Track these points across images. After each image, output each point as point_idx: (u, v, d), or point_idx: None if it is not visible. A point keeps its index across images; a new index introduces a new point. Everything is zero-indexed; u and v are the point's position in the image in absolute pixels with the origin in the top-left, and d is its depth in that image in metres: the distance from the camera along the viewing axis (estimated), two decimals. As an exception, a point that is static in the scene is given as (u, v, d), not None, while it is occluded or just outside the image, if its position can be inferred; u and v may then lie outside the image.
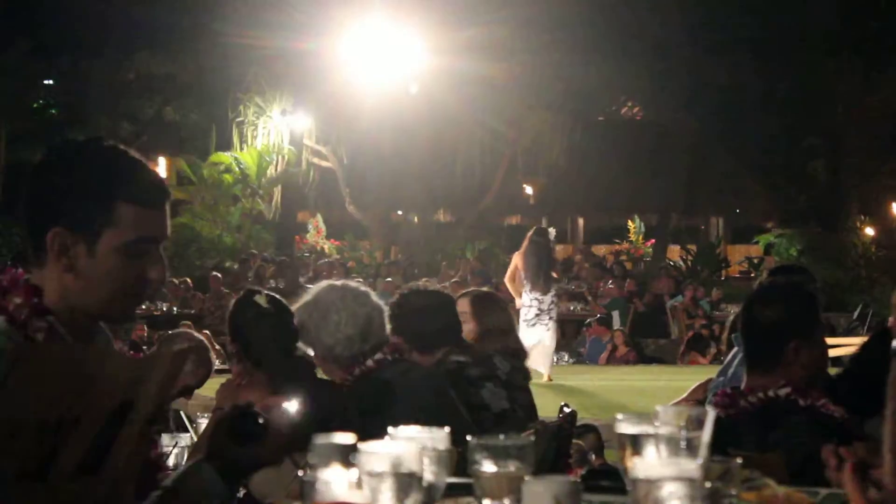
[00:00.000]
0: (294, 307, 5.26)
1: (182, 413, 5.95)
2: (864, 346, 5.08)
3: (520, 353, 6.68)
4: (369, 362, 5.10)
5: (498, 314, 6.70)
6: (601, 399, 14.76)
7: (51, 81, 35.31)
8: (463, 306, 6.69)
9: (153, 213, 2.83)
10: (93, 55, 32.44)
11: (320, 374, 5.76)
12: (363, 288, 5.29)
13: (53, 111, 34.90)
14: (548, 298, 17.01)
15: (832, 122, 34.99)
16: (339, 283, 5.32)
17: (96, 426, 2.42)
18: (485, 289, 8.14)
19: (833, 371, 5.42)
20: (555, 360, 20.94)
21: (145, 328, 20.02)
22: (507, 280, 17.85)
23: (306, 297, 5.26)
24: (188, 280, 25.81)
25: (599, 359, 21.86)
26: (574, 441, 7.49)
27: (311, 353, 5.26)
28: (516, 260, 17.40)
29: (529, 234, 17.53)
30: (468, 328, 6.66)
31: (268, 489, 3.01)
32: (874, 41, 32.84)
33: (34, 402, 2.38)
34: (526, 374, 6.30)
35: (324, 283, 5.32)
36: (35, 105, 34.79)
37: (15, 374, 2.39)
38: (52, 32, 31.58)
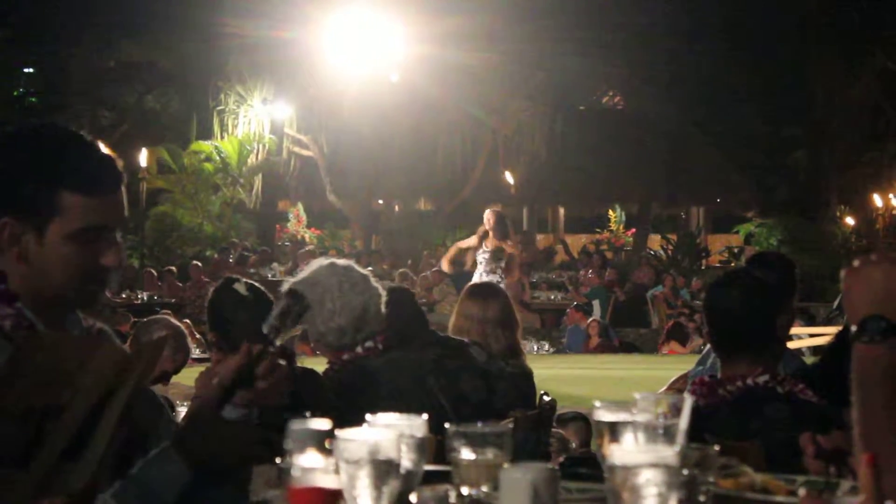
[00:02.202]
0: (290, 281, 5.22)
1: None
2: (840, 335, 5.09)
3: (512, 346, 6.68)
4: (359, 349, 5.09)
5: (475, 305, 6.69)
6: (581, 388, 14.77)
7: (31, 69, 35.19)
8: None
9: (101, 201, 2.78)
10: (73, 43, 32.34)
11: (301, 361, 5.75)
12: (363, 272, 5.24)
13: (33, 99, 34.80)
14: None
15: (813, 113, 35.08)
16: (341, 264, 5.25)
17: (81, 414, 2.41)
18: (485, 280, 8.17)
19: (812, 360, 5.45)
20: (535, 348, 21.00)
21: (130, 318, 19.87)
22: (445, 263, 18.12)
23: (304, 274, 5.20)
24: (173, 269, 25.76)
25: (583, 345, 21.85)
26: (555, 430, 7.49)
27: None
28: (473, 241, 17.58)
29: (490, 214, 17.68)
30: (451, 321, 6.70)
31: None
32: (855, 32, 32.93)
33: (23, 389, 2.38)
34: (504, 365, 6.30)
35: (325, 262, 5.25)
36: (15, 93, 34.68)
37: (8, 363, 2.39)
38: (31, 20, 31.48)
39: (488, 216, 17.77)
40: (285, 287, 5.20)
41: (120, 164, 2.86)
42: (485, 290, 7.01)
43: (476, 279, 16.65)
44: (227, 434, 2.73)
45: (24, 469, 2.37)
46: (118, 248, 2.80)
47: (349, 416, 2.46)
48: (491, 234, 17.44)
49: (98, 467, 2.42)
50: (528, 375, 6.52)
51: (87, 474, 2.42)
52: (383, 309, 5.18)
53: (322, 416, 2.36)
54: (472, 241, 17.89)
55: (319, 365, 5.38)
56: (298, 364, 5.69)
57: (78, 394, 2.42)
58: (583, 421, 9.08)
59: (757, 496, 2.49)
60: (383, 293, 5.21)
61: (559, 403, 6.80)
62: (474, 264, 17.59)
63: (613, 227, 39.78)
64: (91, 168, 2.79)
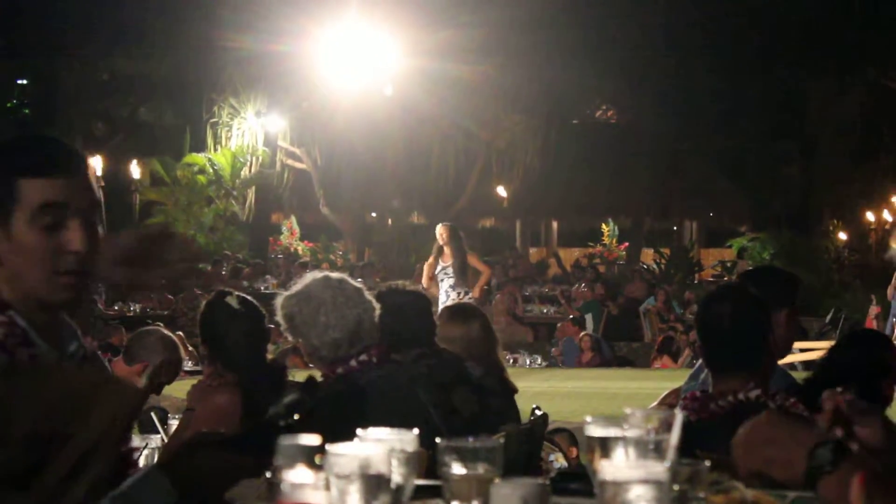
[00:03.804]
0: (283, 295, 5.23)
1: (152, 414, 5.93)
2: (832, 350, 5.10)
3: (496, 364, 6.66)
4: (353, 363, 5.08)
5: (457, 328, 6.64)
6: (573, 402, 14.77)
7: (24, 81, 35.20)
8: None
9: (59, 181, 2.77)
10: (67, 55, 32.34)
11: (293, 374, 5.75)
12: (356, 286, 5.25)
13: (27, 111, 34.80)
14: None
15: (805, 128, 35.15)
16: (334, 277, 5.25)
17: (87, 444, 2.42)
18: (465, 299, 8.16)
19: (804, 375, 5.45)
20: (528, 362, 20.98)
21: (123, 331, 19.83)
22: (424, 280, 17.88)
23: (297, 287, 5.20)
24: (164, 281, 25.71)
25: (575, 359, 21.80)
26: (547, 444, 7.48)
27: (292, 338, 5.24)
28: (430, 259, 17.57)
29: (444, 228, 17.63)
30: None
31: (237, 492, 3.00)
32: (848, 48, 33.00)
33: (30, 417, 2.38)
34: (501, 380, 6.30)
35: (318, 276, 5.26)
36: (8, 105, 34.68)
37: (15, 388, 2.40)
38: (26, 32, 31.49)
39: (441, 231, 17.71)
40: (279, 300, 5.21)
41: (87, 158, 2.88)
42: (464, 311, 6.97)
43: (442, 297, 16.63)
44: (217, 462, 2.71)
45: (23, 491, 2.37)
46: (83, 231, 2.78)
47: (341, 431, 2.45)
48: (446, 249, 17.41)
49: (92, 486, 2.43)
50: (513, 392, 6.54)
51: (82, 493, 2.42)
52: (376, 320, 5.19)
53: (314, 430, 2.36)
54: (430, 259, 17.90)
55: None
56: (290, 378, 5.70)
57: (87, 425, 2.42)
58: (569, 434, 9.06)
59: (748, 512, 2.49)
60: (377, 306, 5.22)
61: (550, 418, 6.79)
62: (433, 280, 17.52)
63: (606, 240, 39.80)
64: (45, 153, 2.81)
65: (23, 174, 2.76)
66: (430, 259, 17.72)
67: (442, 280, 17.30)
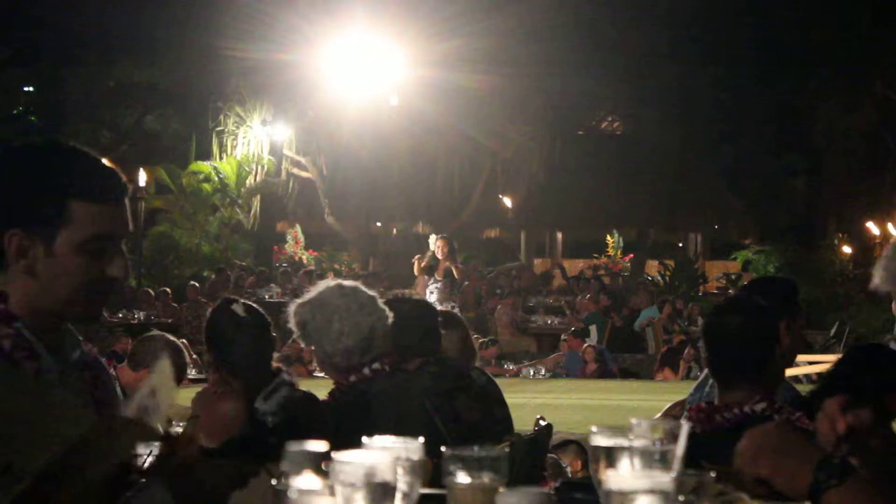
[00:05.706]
0: (297, 302, 5.24)
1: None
2: (838, 363, 5.09)
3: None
4: (366, 371, 5.08)
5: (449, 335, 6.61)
6: (576, 414, 14.76)
7: (31, 88, 35.23)
8: None
9: (109, 210, 2.80)
10: (73, 63, 32.37)
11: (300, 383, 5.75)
12: (370, 293, 5.25)
13: (33, 118, 34.83)
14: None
15: (812, 141, 35.13)
16: (348, 285, 5.26)
17: (98, 480, 2.41)
18: (442, 308, 8.13)
19: (808, 388, 5.44)
20: (531, 373, 20.97)
21: (130, 340, 19.82)
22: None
23: (311, 295, 5.20)
24: (167, 290, 25.75)
25: (579, 370, 21.80)
26: (550, 455, 7.47)
27: (304, 345, 5.25)
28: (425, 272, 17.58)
29: (443, 242, 17.60)
30: None
31: (241, 499, 3.00)
32: (854, 61, 33.00)
33: (56, 453, 2.38)
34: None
35: (332, 283, 5.27)
36: (14, 112, 34.70)
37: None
38: (32, 40, 31.51)
39: (441, 245, 17.63)
40: (292, 307, 5.22)
41: (123, 177, 2.88)
42: (445, 319, 6.96)
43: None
44: (217, 470, 2.70)
45: None
46: (124, 259, 2.82)
47: (350, 440, 2.45)
48: (442, 260, 17.36)
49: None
50: None
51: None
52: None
53: (319, 439, 2.36)
54: (424, 271, 17.86)
55: (316, 388, 5.38)
56: (297, 389, 5.69)
57: (101, 467, 2.42)
58: (577, 445, 9.04)
59: (752, 523, 2.49)
60: (390, 315, 5.22)
61: (556, 429, 6.78)
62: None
63: (611, 252, 39.76)
64: (98, 177, 2.81)
65: (75, 196, 2.76)
66: (423, 267, 17.68)
67: (432, 293, 17.29)
